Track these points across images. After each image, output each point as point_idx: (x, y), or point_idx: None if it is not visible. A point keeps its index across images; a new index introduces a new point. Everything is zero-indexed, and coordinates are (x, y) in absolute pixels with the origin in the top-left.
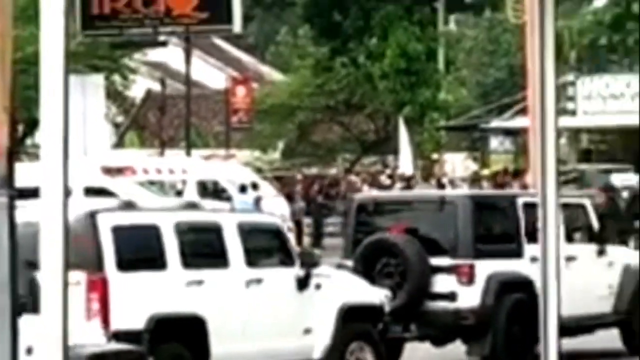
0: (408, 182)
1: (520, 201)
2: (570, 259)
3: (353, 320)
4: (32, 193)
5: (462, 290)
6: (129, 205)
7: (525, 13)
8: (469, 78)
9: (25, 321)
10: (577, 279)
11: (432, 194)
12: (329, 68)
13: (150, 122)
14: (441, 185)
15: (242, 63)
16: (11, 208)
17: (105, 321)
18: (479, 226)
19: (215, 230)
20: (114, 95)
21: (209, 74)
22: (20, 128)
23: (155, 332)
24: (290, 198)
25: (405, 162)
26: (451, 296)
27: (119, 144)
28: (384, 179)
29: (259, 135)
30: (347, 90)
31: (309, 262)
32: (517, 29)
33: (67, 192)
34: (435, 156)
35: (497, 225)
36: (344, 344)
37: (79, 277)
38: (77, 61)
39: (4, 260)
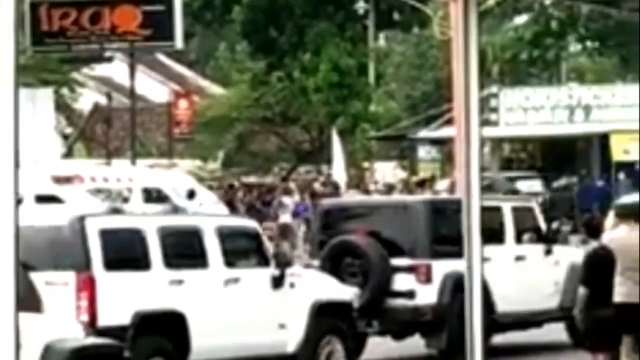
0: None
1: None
2: (519, 258)
3: (325, 316)
4: None
5: (421, 288)
6: (115, 211)
7: (451, 29)
8: (398, 91)
9: None
10: (526, 277)
11: (393, 200)
12: (265, 82)
13: (97, 134)
14: (366, 192)
15: (183, 77)
16: None
17: (93, 318)
18: (435, 229)
19: (195, 233)
20: (62, 107)
21: (153, 88)
22: None
23: (140, 327)
24: (230, 205)
25: (338, 171)
26: (410, 294)
27: (68, 154)
28: (317, 186)
29: (200, 145)
30: (283, 103)
31: (283, 262)
32: (443, 44)
33: (18, 200)
34: (366, 165)
35: (452, 228)
36: (316, 338)
37: (67, 278)
38: (27, 75)
39: None
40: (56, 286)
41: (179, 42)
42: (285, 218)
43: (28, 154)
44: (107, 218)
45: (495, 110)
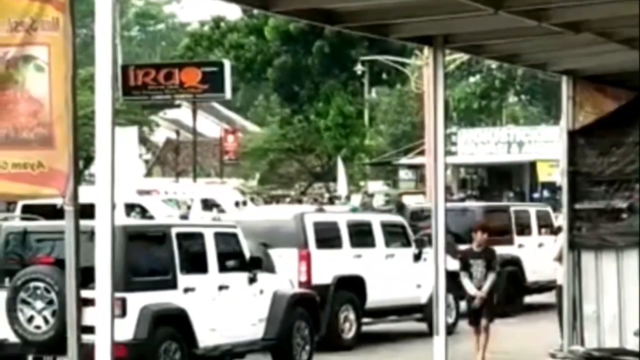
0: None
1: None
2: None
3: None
4: (89, 207)
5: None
6: (320, 210)
7: (424, 86)
8: (385, 130)
9: None
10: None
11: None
12: (290, 123)
13: (168, 160)
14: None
15: (231, 119)
16: (76, 214)
17: (309, 278)
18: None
19: (368, 224)
20: (144, 141)
21: (209, 127)
22: (81, 163)
23: (337, 285)
24: None
25: (342, 188)
26: None
27: (148, 174)
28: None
29: (243, 168)
30: (302, 138)
31: (420, 245)
32: (418, 96)
33: (113, 206)
34: (362, 183)
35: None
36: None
37: (292, 253)
38: (119, 117)
39: (72, 252)
40: (285, 258)
41: (228, 94)
42: None
43: (119, 174)
44: (316, 214)
45: (455, 144)
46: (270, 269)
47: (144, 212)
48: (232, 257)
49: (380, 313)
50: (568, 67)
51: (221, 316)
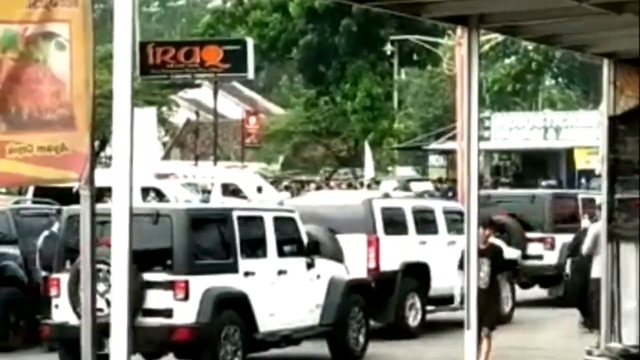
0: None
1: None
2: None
3: (501, 263)
4: (106, 190)
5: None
6: (386, 195)
7: (456, 67)
8: (415, 113)
9: None
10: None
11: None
12: (315, 105)
13: (188, 142)
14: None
15: (254, 100)
16: (92, 198)
17: (377, 265)
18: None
19: (431, 211)
20: (162, 122)
21: (230, 108)
22: (96, 144)
23: (405, 271)
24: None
25: (369, 173)
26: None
27: (166, 157)
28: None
29: (265, 152)
30: (328, 121)
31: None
32: (450, 78)
33: (131, 190)
34: (390, 169)
35: (213, 240)
36: (494, 276)
37: (361, 238)
38: (137, 98)
39: (88, 235)
40: (353, 244)
41: (250, 73)
42: None
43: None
44: (383, 200)
45: (488, 129)
46: (339, 255)
47: (160, 197)
48: (290, 242)
49: (443, 301)
50: (609, 49)
51: (280, 301)
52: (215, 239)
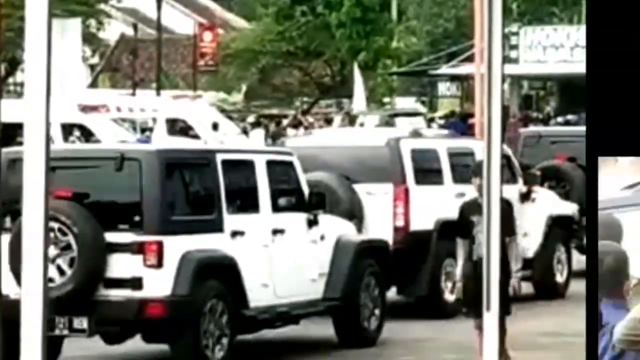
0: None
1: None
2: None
3: (556, 226)
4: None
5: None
6: (416, 134)
7: None
8: (420, 28)
9: None
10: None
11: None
12: (289, 16)
13: (122, 65)
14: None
15: (209, 10)
16: None
17: (407, 223)
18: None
19: (471, 154)
20: (89, 38)
21: (178, 20)
22: (3, 67)
23: (441, 232)
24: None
25: (359, 106)
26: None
27: (93, 84)
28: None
29: (224, 78)
30: (306, 37)
31: (531, 181)
32: None
33: (48, 127)
34: (386, 100)
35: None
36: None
37: (386, 189)
38: (56, 6)
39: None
40: (376, 196)
41: None
42: None
43: (55, 84)
44: (413, 140)
45: (515, 47)
46: (357, 211)
47: (87, 136)
48: (288, 194)
49: None
50: None
51: (276, 268)
52: (195, 189)
